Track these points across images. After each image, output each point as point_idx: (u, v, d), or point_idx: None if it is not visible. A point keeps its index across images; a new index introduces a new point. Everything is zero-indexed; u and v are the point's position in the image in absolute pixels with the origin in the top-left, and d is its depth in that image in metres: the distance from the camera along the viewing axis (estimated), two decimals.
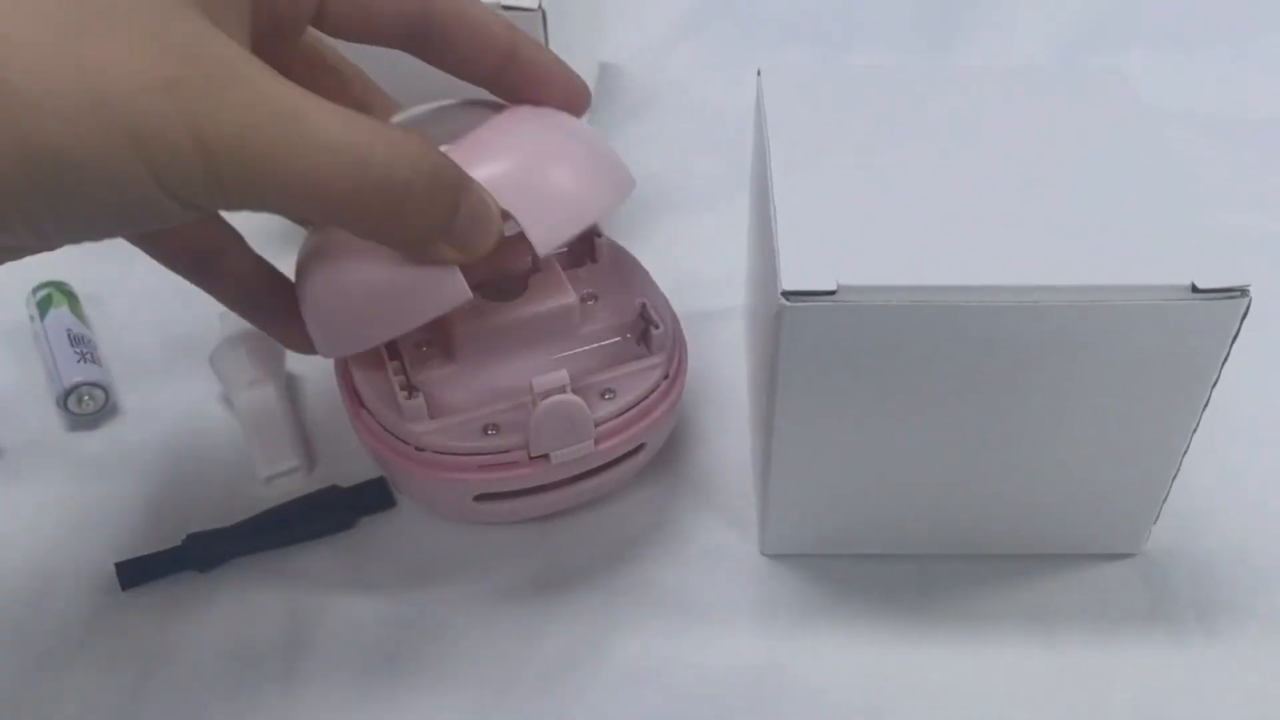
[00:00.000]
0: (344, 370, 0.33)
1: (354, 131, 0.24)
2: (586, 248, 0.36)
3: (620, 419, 0.31)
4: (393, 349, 0.32)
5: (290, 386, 0.38)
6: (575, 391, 0.30)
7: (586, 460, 0.31)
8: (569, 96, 0.31)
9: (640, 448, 0.32)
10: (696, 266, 0.42)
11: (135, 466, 0.36)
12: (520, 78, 0.30)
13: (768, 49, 0.56)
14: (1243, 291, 0.26)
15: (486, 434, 0.30)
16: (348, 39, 0.29)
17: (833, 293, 0.26)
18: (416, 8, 0.29)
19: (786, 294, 0.26)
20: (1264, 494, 0.34)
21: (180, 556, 0.33)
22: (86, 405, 0.37)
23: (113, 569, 0.33)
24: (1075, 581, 0.32)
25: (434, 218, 0.26)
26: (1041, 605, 0.32)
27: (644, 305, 0.33)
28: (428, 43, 0.29)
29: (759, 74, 0.34)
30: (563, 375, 0.30)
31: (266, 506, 0.34)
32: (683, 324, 0.34)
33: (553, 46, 0.41)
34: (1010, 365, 0.27)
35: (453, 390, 0.31)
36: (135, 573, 0.33)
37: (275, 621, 0.32)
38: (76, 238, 0.24)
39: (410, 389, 0.31)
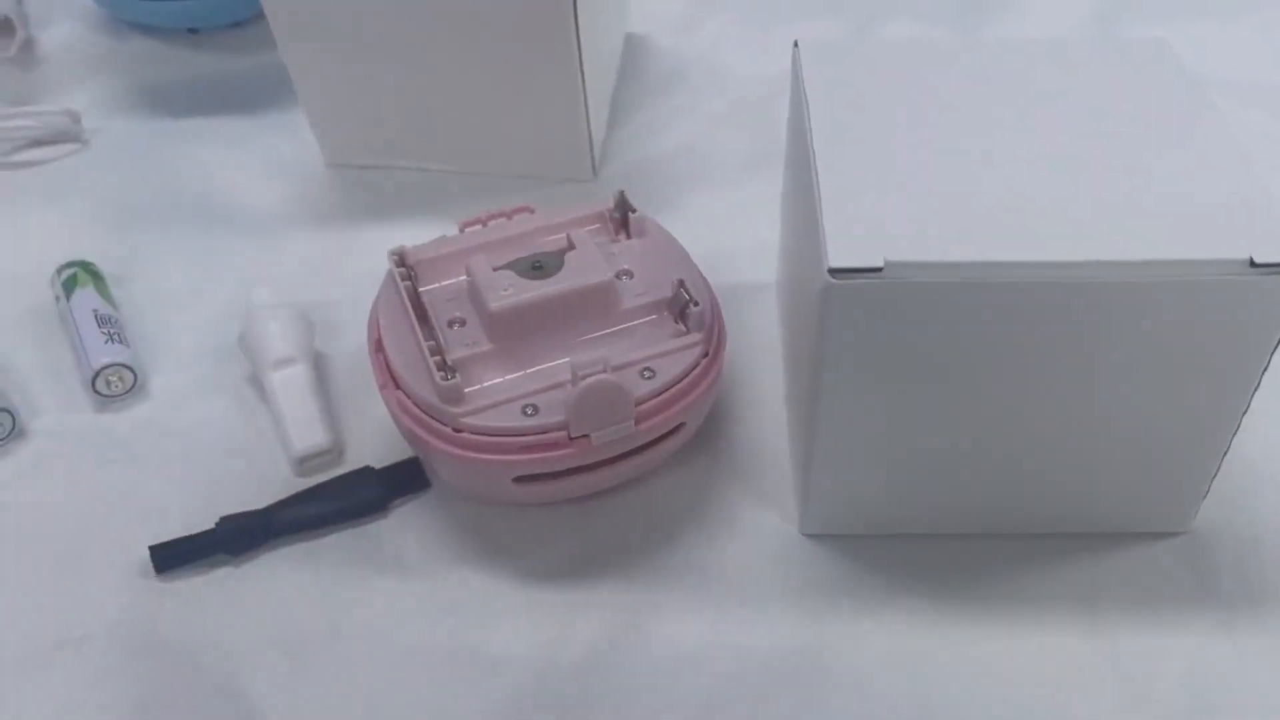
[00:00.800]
0: (377, 346, 0.33)
1: None
2: (622, 223, 0.35)
3: (660, 398, 0.30)
4: (427, 325, 0.32)
5: (318, 365, 0.38)
6: (614, 371, 0.30)
7: (627, 440, 0.30)
8: None
9: (680, 427, 0.32)
10: (727, 239, 0.42)
11: (166, 449, 0.36)
12: None
13: (794, 20, 0.55)
14: None
15: (526, 414, 0.30)
16: None
17: (879, 269, 0.26)
18: None
19: (833, 271, 0.26)
20: None
21: (213, 540, 0.33)
22: (115, 387, 0.37)
23: (146, 553, 0.32)
24: (1122, 561, 0.32)
25: None
26: (1087, 585, 0.31)
27: (681, 282, 0.32)
28: None
29: (795, 46, 0.33)
30: (602, 355, 0.29)
31: (298, 489, 0.34)
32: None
33: (581, 19, 0.40)
34: (1060, 342, 0.27)
35: (489, 369, 0.31)
36: (170, 557, 0.32)
37: (311, 607, 0.32)
38: None
39: (447, 369, 0.30)
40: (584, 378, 0.29)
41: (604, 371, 0.29)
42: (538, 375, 0.30)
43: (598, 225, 0.35)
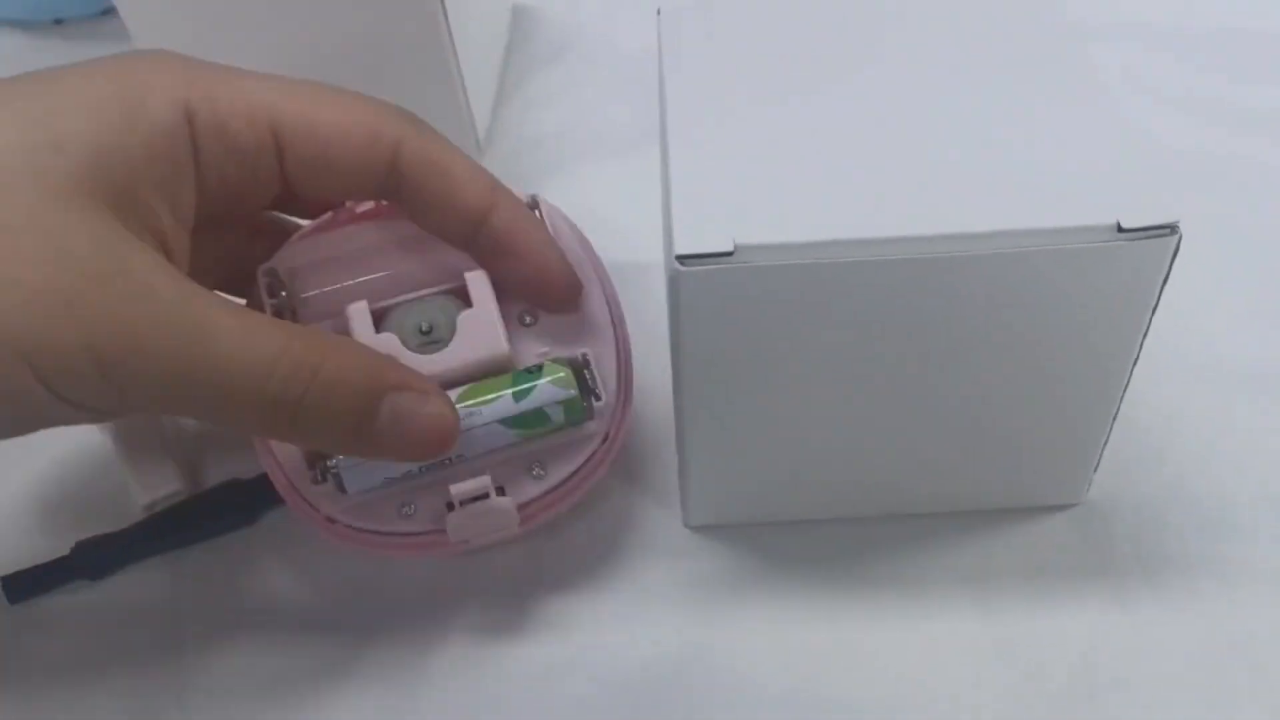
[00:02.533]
0: None
1: (254, 346, 0.24)
2: None
3: (550, 496, 0.28)
4: None
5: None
6: (502, 468, 0.28)
7: (510, 540, 0.29)
8: (548, 281, 0.29)
9: (574, 505, 0.30)
10: (619, 215, 0.40)
11: (19, 473, 0.34)
12: (493, 248, 0.28)
13: None
14: (1172, 229, 0.24)
15: (402, 513, 0.28)
16: (315, 205, 0.29)
17: (730, 254, 0.24)
18: (384, 166, 0.27)
19: (680, 258, 0.24)
20: (1207, 435, 0.33)
21: (70, 565, 0.31)
22: None
23: None
24: (1015, 537, 0.31)
25: (334, 430, 0.25)
26: (980, 564, 0.30)
27: (585, 360, 0.29)
28: (399, 196, 0.28)
29: (659, 14, 0.31)
30: (485, 481, 0.27)
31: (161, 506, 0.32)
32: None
33: None
34: (928, 320, 0.25)
35: (369, 466, 0.27)
36: (23, 586, 0.31)
37: (172, 626, 0.30)
38: None
39: (320, 469, 0.27)
40: (464, 502, 0.27)
41: (486, 496, 0.27)
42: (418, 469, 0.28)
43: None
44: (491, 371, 0.28)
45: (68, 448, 0.34)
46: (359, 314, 0.28)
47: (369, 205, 0.30)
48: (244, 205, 0.27)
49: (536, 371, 0.28)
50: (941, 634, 0.29)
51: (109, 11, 0.52)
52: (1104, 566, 0.30)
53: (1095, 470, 0.30)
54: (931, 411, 0.28)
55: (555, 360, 0.28)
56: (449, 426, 0.26)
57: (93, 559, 0.31)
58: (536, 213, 0.31)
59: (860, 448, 0.29)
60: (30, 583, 0.31)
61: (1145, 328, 0.26)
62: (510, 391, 0.27)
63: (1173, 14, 0.48)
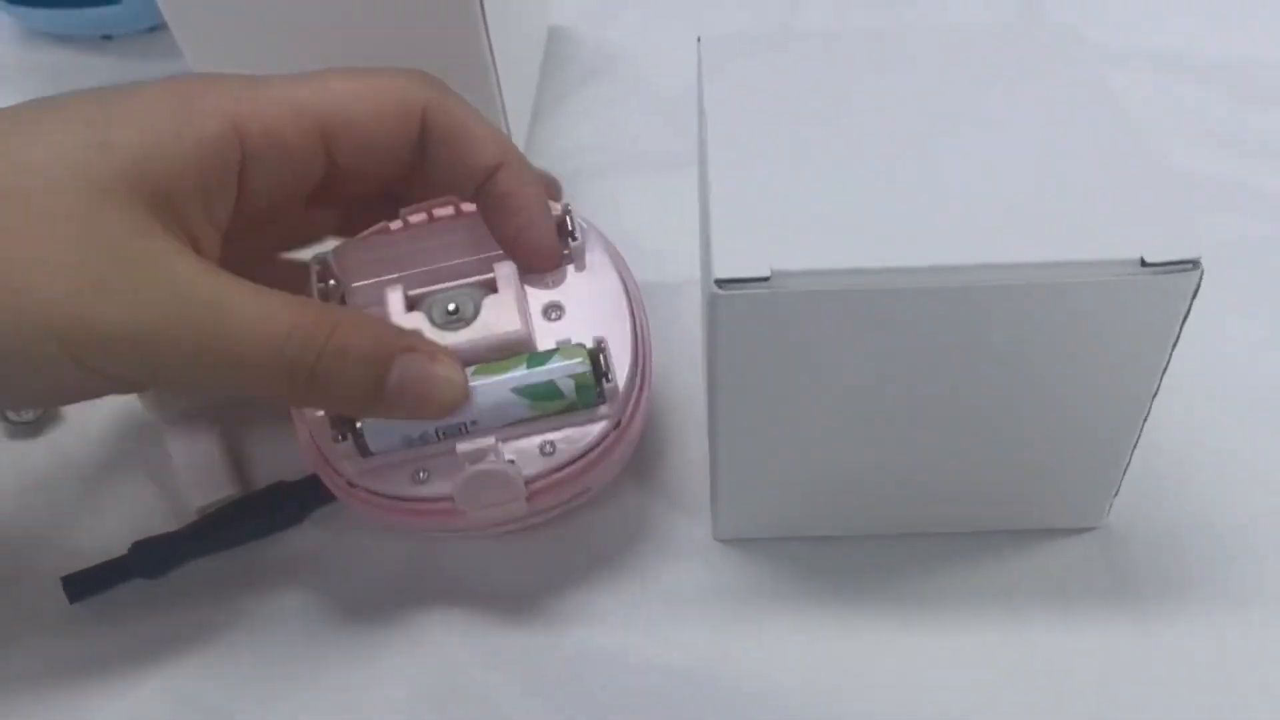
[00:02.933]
0: None
1: (269, 318, 0.26)
2: (562, 244, 0.32)
3: (558, 475, 0.29)
4: None
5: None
6: (512, 441, 0.29)
7: (518, 518, 0.30)
8: (526, 240, 0.31)
9: (583, 492, 0.31)
10: (654, 234, 0.41)
11: (79, 475, 0.35)
12: (492, 203, 0.31)
13: (717, 7, 0.54)
14: (1194, 264, 0.25)
15: (418, 478, 0.29)
16: (354, 185, 0.31)
17: (766, 279, 0.25)
18: (415, 133, 0.29)
19: (719, 281, 0.25)
20: (1226, 461, 0.33)
21: (127, 565, 0.32)
22: (25, 413, 0.36)
23: (59, 583, 0.32)
24: (1036, 558, 0.32)
25: (350, 392, 0.27)
26: (1002, 584, 0.31)
27: (600, 344, 0.30)
28: (423, 155, 0.30)
29: (699, 42, 0.33)
30: (491, 443, 0.29)
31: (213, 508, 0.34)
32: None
33: (488, 10, 0.39)
34: (956, 346, 0.26)
35: (389, 426, 0.29)
36: (83, 585, 0.32)
37: (225, 623, 0.32)
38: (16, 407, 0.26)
39: (341, 430, 0.29)
40: (470, 462, 0.28)
41: (491, 457, 0.28)
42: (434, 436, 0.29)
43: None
44: (511, 353, 0.30)
45: (127, 454, 0.36)
46: (394, 296, 0.31)
47: (422, 216, 0.32)
48: (293, 198, 0.29)
49: (552, 352, 0.30)
50: (962, 651, 0.30)
51: (157, 28, 0.53)
52: (1123, 588, 0.31)
53: (1116, 494, 0.31)
54: (957, 434, 0.29)
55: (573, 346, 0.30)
56: (458, 384, 0.28)
57: (150, 558, 0.32)
58: (567, 219, 0.32)
59: (887, 468, 0.30)
60: (89, 582, 0.32)
61: (1167, 359, 0.27)
62: (524, 362, 0.29)
63: (1187, 42, 0.49)
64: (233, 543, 0.33)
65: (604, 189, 0.44)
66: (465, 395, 0.28)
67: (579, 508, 0.32)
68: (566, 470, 0.29)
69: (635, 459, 0.34)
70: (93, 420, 0.37)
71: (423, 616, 0.31)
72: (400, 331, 0.28)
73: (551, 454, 0.29)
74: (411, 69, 0.30)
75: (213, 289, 0.25)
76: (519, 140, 0.45)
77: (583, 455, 0.29)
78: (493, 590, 0.32)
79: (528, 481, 0.29)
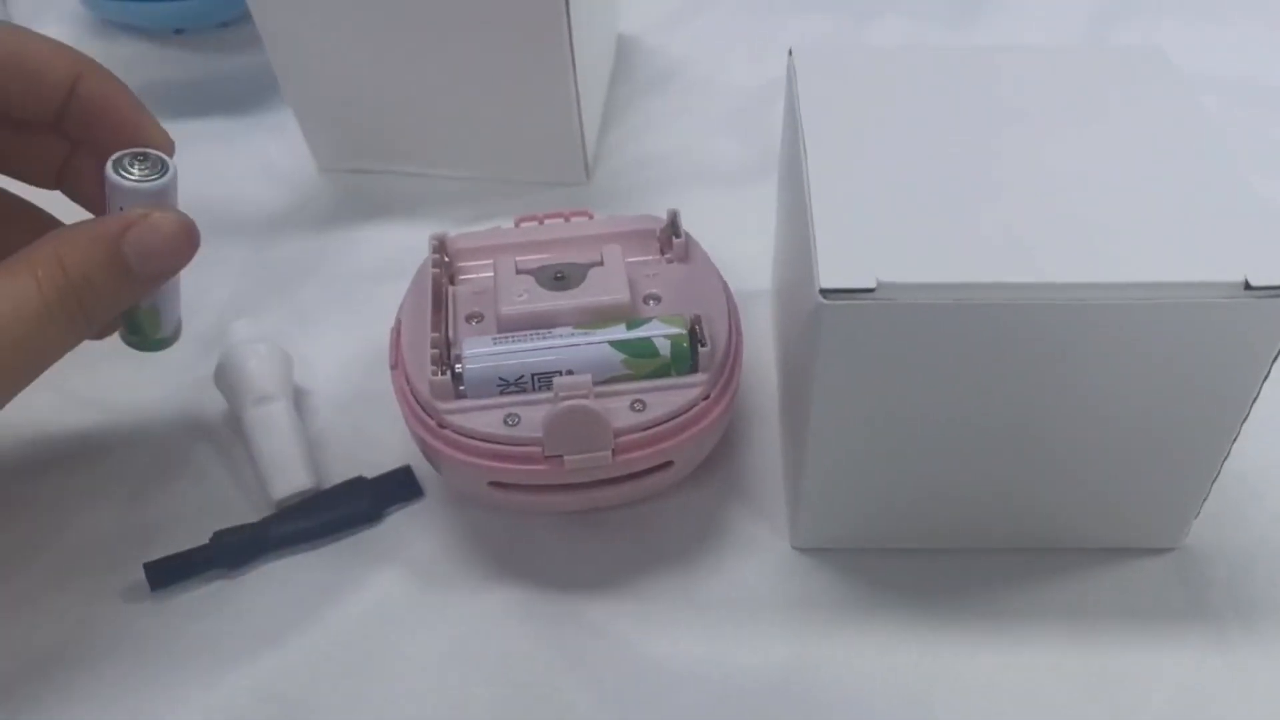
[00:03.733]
0: (396, 327, 0.33)
1: (20, 301, 0.27)
2: (665, 246, 0.35)
3: (645, 433, 0.30)
4: (440, 315, 0.32)
5: (297, 402, 0.37)
6: (605, 397, 0.30)
7: (603, 469, 0.30)
8: (144, 138, 0.30)
9: (668, 464, 0.31)
10: (723, 244, 0.41)
11: (160, 471, 0.36)
12: (85, 117, 0.30)
13: (785, 16, 0.55)
14: None
15: (508, 423, 0.30)
16: None
17: (872, 290, 0.25)
18: None
19: (824, 291, 0.25)
20: None
21: (208, 556, 0.32)
22: None
23: (141, 570, 0.32)
24: (1113, 577, 0.32)
25: (112, 292, 0.28)
26: (1079, 601, 0.31)
27: (697, 319, 0.31)
28: None
29: (790, 54, 0.33)
30: (586, 379, 0.29)
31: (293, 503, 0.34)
32: None
33: (573, 19, 0.40)
34: (1052, 362, 0.27)
35: (488, 366, 0.31)
36: (164, 574, 0.32)
37: (306, 615, 0.32)
38: None
39: (443, 365, 0.30)
40: (564, 399, 0.29)
41: (586, 396, 0.29)
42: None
43: (646, 242, 0.35)
44: (610, 318, 0.32)
45: (207, 448, 0.36)
46: (504, 262, 0.34)
47: (533, 222, 0.35)
48: None
49: (652, 319, 0.31)
50: (1039, 667, 0.30)
51: (229, 23, 0.54)
52: (1200, 610, 0.31)
53: (1196, 516, 0.31)
54: (1045, 451, 0.29)
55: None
56: (186, 228, 0.29)
57: (229, 549, 0.32)
58: (680, 236, 0.35)
59: (973, 482, 0.30)
60: (171, 571, 0.32)
61: (1261, 383, 0.27)
62: (624, 324, 0.31)
63: (1255, 68, 0.50)
64: (310, 537, 0.33)
65: (670, 198, 0.45)
66: (195, 230, 0.29)
67: (661, 497, 0.33)
68: (655, 430, 0.30)
69: (713, 463, 0.35)
70: (170, 402, 0.37)
71: (499, 619, 0.32)
72: (109, 219, 0.29)
73: (642, 411, 0.30)
74: None
75: None
76: (590, 148, 0.45)
77: (673, 417, 0.30)
78: (569, 592, 0.32)
79: (616, 434, 0.29)
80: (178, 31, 0.54)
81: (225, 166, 0.47)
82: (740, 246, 0.41)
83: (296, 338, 0.39)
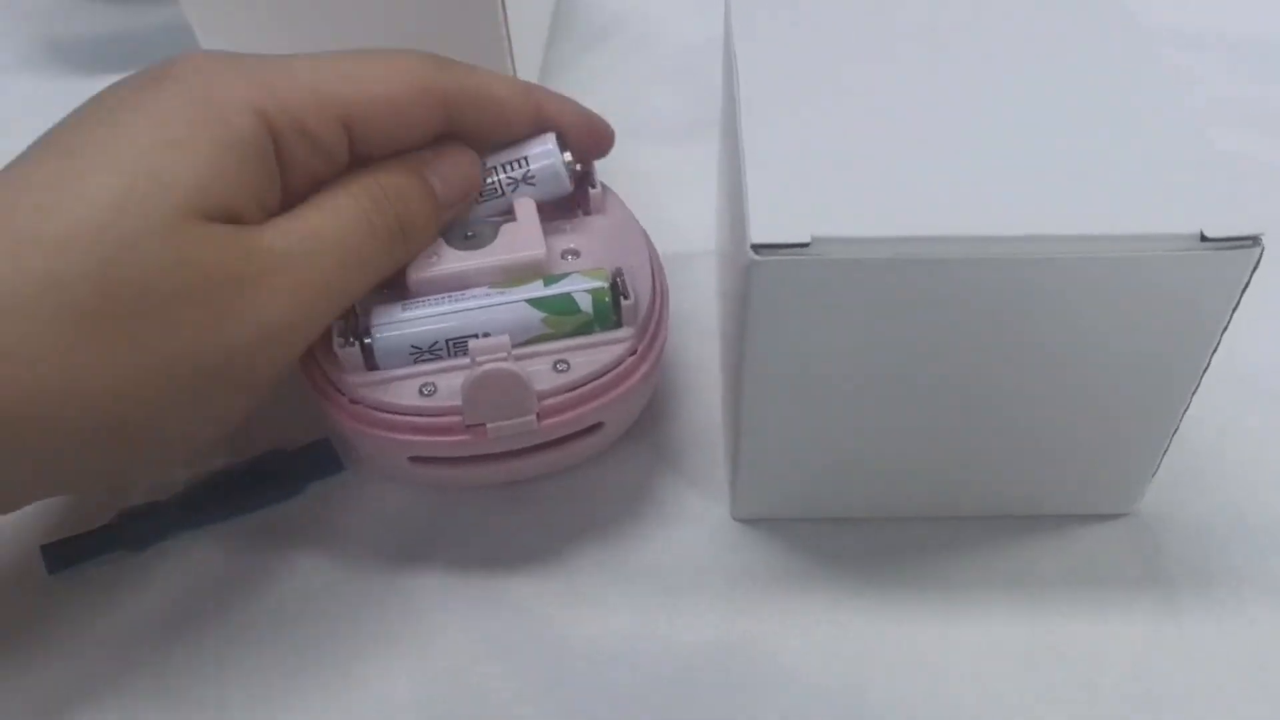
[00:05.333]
0: None
1: (347, 216, 0.27)
2: (580, 199, 0.33)
3: (570, 395, 0.28)
4: None
5: None
6: (525, 359, 0.28)
7: (527, 435, 0.28)
8: (595, 142, 0.33)
9: (597, 426, 0.29)
10: (665, 204, 0.40)
11: None
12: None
13: None
14: (1255, 240, 0.23)
15: (423, 394, 0.28)
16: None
17: (806, 245, 0.24)
18: (439, 117, 0.29)
19: (756, 247, 0.24)
20: (1263, 452, 0.32)
21: (112, 535, 0.30)
22: None
23: (38, 552, 0.30)
24: (1064, 544, 0.30)
25: (422, 213, 0.29)
26: (1029, 570, 0.30)
27: (618, 271, 0.30)
28: (455, 131, 0.30)
29: (726, 2, 0.31)
30: (504, 340, 0.27)
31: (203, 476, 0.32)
32: None
33: None
34: (1000, 321, 0.25)
35: (398, 336, 0.29)
36: (63, 555, 0.30)
37: (215, 597, 0.30)
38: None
39: (350, 336, 0.28)
40: (482, 363, 0.27)
41: (505, 359, 0.27)
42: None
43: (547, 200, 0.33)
44: (524, 276, 0.30)
45: None
46: None
47: None
48: (321, 181, 0.29)
49: (571, 274, 0.29)
50: (988, 637, 0.29)
51: None
52: (1154, 577, 0.30)
53: (1150, 481, 0.30)
54: (993, 413, 0.28)
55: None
56: (474, 158, 0.31)
57: (136, 529, 0.30)
58: (594, 186, 0.33)
59: (916, 446, 0.29)
60: (70, 551, 0.30)
61: (1218, 339, 0.26)
62: (542, 280, 0.29)
63: (1214, 20, 0.48)
64: (225, 515, 0.32)
65: (612, 155, 0.43)
66: (478, 162, 0.31)
67: (597, 467, 0.31)
68: (580, 390, 0.28)
69: (649, 432, 0.33)
70: None
71: (424, 597, 0.30)
72: (421, 155, 0.30)
73: (565, 371, 0.28)
74: (425, 52, 0.30)
75: (300, 231, 0.27)
76: None
77: (598, 376, 0.28)
78: (497, 567, 0.30)
79: (540, 397, 0.28)
80: None
81: None
82: (684, 205, 0.40)
83: None
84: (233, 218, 0.26)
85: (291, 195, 0.28)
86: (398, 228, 0.28)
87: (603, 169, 0.36)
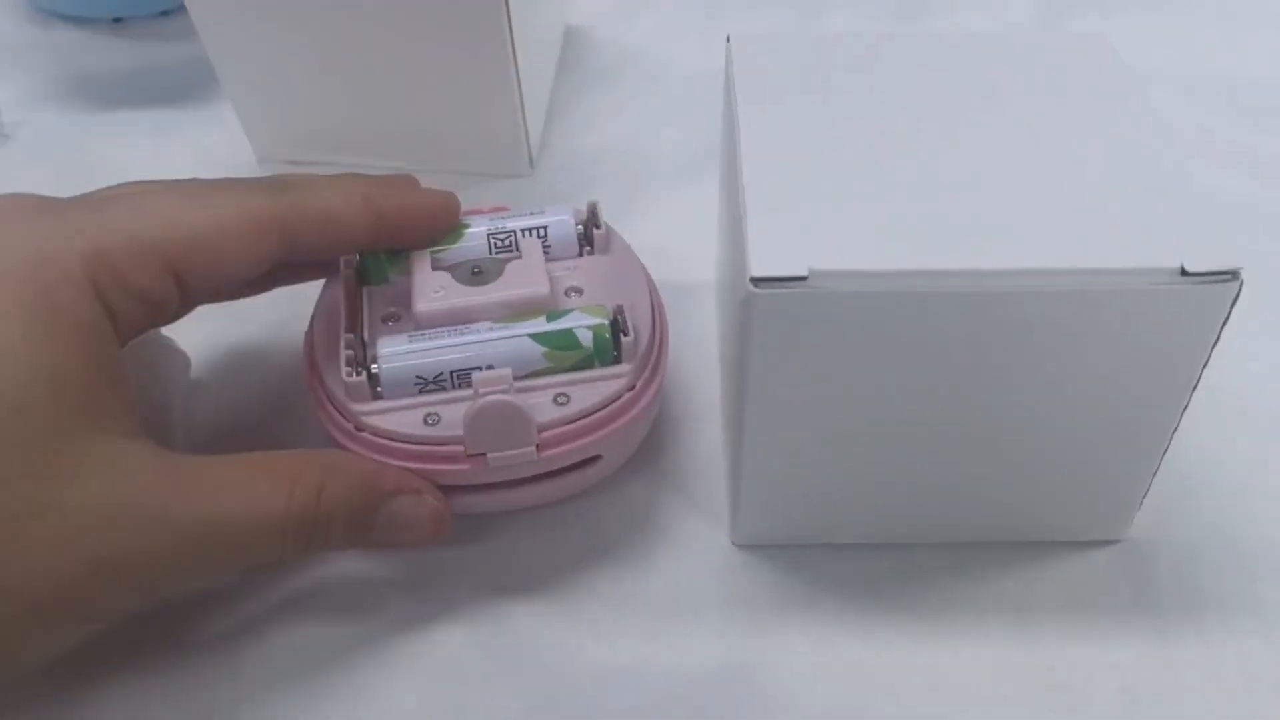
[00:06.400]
0: (310, 328, 0.32)
1: (260, 510, 0.26)
2: (584, 238, 0.34)
3: (570, 427, 0.29)
4: (354, 317, 0.31)
5: (199, 395, 0.36)
6: (526, 391, 0.29)
7: (527, 466, 0.29)
8: (434, 227, 0.32)
9: (595, 458, 0.30)
10: (668, 236, 0.41)
11: None
12: (391, 234, 0.31)
13: (736, 9, 0.54)
14: (1234, 275, 0.24)
15: (427, 423, 0.29)
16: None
17: (804, 278, 0.25)
18: (274, 248, 0.29)
19: (755, 280, 0.25)
20: (1250, 477, 0.33)
21: None
22: None
23: None
24: (1057, 570, 0.31)
25: (340, 539, 0.28)
26: (1022, 595, 0.31)
27: (619, 308, 0.30)
28: (297, 258, 0.30)
29: (728, 41, 0.32)
30: (506, 373, 0.28)
31: None
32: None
33: (513, 9, 0.39)
34: (991, 351, 0.26)
35: (404, 366, 0.30)
36: None
37: (222, 616, 0.31)
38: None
39: (358, 366, 0.29)
40: (484, 395, 0.28)
41: (506, 391, 0.28)
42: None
43: (548, 245, 0.34)
44: (528, 312, 0.31)
45: None
46: (420, 260, 0.32)
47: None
48: (159, 316, 0.28)
49: (573, 310, 0.30)
50: (983, 662, 0.30)
51: (168, 12, 0.53)
52: (1144, 603, 0.30)
53: (1139, 508, 0.31)
54: (986, 442, 0.28)
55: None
56: (442, 517, 0.29)
57: None
58: (599, 227, 0.34)
59: (912, 474, 0.29)
60: None
61: (1200, 370, 0.27)
62: (544, 315, 0.30)
63: (1202, 60, 0.49)
64: None
65: (615, 191, 0.44)
66: (448, 525, 0.29)
67: (600, 494, 0.32)
68: (580, 423, 0.29)
69: (651, 459, 0.34)
70: None
71: (427, 619, 0.31)
72: (386, 473, 0.28)
73: (565, 404, 0.29)
74: (257, 179, 0.30)
75: (203, 512, 0.25)
76: (533, 140, 0.45)
77: (598, 409, 0.29)
78: (500, 591, 0.31)
79: (540, 429, 0.29)
80: (117, 20, 0.53)
81: (164, 157, 0.46)
82: (687, 238, 0.41)
83: (217, 333, 0.38)
84: (97, 407, 0.25)
85: (130, 334, 0.27)
86: (305, 547, 0.27)
87: (608, 201, 0.37)
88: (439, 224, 0.32)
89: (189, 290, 0.28)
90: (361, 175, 0.32)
